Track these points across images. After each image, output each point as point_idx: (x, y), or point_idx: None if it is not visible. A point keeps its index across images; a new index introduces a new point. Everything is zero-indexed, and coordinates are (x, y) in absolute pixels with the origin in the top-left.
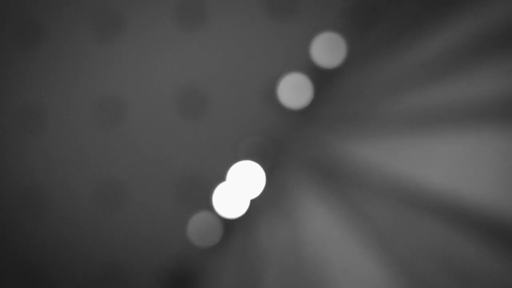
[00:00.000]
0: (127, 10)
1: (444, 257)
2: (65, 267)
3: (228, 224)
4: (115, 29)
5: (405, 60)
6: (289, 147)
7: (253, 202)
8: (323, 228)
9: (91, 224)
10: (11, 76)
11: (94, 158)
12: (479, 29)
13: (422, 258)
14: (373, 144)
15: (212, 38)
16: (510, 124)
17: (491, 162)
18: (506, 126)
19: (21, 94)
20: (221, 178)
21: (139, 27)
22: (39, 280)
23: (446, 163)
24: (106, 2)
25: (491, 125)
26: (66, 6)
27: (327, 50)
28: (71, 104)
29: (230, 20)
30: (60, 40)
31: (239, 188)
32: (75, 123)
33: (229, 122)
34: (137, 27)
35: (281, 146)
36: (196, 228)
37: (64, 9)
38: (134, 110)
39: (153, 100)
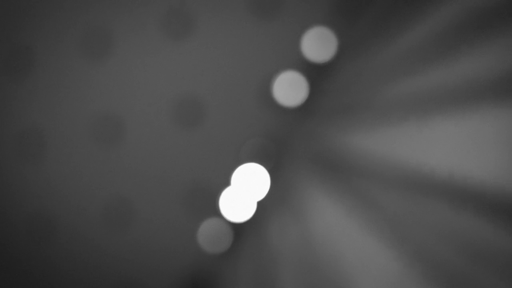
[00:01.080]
0: (114, 27)
1: (457, 239)
2: None
3: (238, 228)
4: (105, 47)
5: (397, 46)
6: (290, 145)
7: (260, 203)
8: (334, 222)
9: (102, 243)
10: (5, 104)
11: (98, 178)
12: (467, 6)
13: (435, 242)
14: (373, 133)
15: (201, 44)
16: (509, 100)
17: (494, 140)
18: (505, 102)
19: (17, 122)
20: (226, 183)
21: (128, 43)
22: None
23: (449, 145)
24: (93, 21)
25: (490, 103)
26: (53, 29)
27: (318, 44)
28: (68, 127)
29: (217, 25)
30: (51, 64)
31: (245, 191)
32: (75, 145)
33: (228, 127)
34: (126, 42)
35: (282, 145)
36: (207, 236)
37: (52, 32)
38: (132, 126)
39: (150, 113)
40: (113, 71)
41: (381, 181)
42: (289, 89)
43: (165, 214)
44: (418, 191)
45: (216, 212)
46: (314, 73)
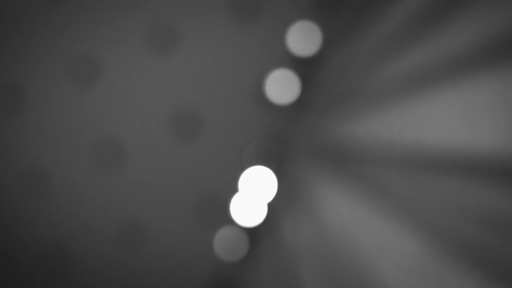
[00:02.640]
0: (99, 52)
1: (472, 210)
2: None
3: (253, 233)
4: (93, 73)
5: (381, 29)
6: (291, 142)
7: (270, 205)
8: (347, 212)
9: (119, 267)
10: (5, 145)
11: (107, 203)
12: None
13: (448, 216)
14: (371, 117)
15: (189, 56)
16: (502, 66)
17: (490, 106)
18: (496, 68)
19: (19, 161)
20: (234, 189)
21: (116, 65)
22: None
23: (448, 117)
24: (79, 49)
25: (481, 70)
26: (40, 62)
27: (303, 38)
28: (69, 157)
29: (201, 34)
30: (42, 99)
31: (253, 195)
32: (78, 174)
33: (227, 134)
34: (113, 65)
35: (283, 143)
36: (223, 244)
37: (40, 67)
38: (132, 146)
39: (148, 131)
40: (105, 95)
41: (386, 164)
42: (282, 86)
43: (178, 228)
44: (424, 168)
45: (229, 220)
46: (303, 67)
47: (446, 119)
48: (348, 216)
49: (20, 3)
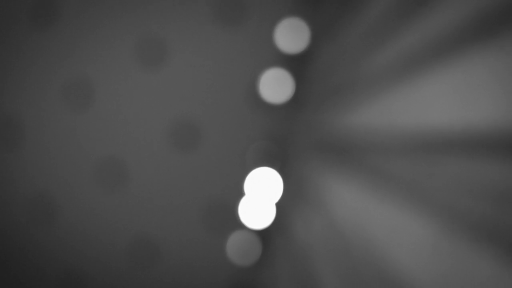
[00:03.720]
0: (91, 74)
1: (479, 187)
2: None
3: (264, 235)
4: (88, 96)
5: (368, 16)
6: (292, 139)
7: (278, 205)
8: (356, 203)
9: (136, 284)
10: (8, 175)
11: (116, 222)
12: None
13: (458, 195)
14: (368, 105)
15: (180, 67)
16: (491, 40)
17: (487, 81)
18: (487, 42)
19: (24, 190)
20: (240, 193)
21: (108, 85)
22: None
23: (444, 97)
24: (71, 73)
25: (474, 47)
26: (35, 93)
27: (291, 35)
28: (73, 181)
29: (190, 44)
30: (41, 129)
31: (260, 197)
32: (85, 197)
33: (227, 139)
34: (106, 86)
35: (284, 141)
36: (236, 249)
37: (33, 96)
38: (135, 163)
39: (148, 146)
40: (102, 116)
41: (389, 150)
42: (276, 86)
43: (189, 238)
44: (427, 150)
45: (239, 224)
46: (294, 64)
47: (442, 99)
48: (357, 207)
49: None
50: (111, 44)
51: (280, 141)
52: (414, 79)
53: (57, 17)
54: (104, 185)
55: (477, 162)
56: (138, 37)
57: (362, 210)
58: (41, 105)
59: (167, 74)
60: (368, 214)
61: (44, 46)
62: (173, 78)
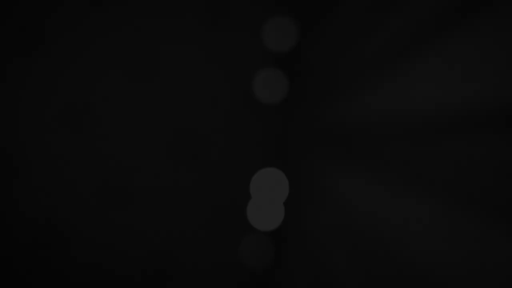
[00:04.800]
0: (87, 98)
1: (477, 161)
2: None
3: (275, 235)
4: (81, 121)
5: (353, 5)
6: (292, 137)
7: (286, 204)
8: (364, 193)
9: None
10: (14, 205)
11: (129, 243)
12: None
13: (466, 172)
14: (362, 94)
15: (171, 78)
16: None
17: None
18: (473, 20)
19: (32, 221)
20: (247, 196)
21: (105, 105)
22: None
23: (434, 79)
24: (66, 98)
25: (459, 24)
26: (28, 120)
27: (279, 35)
28: (79, 207)
29: (179, 53)
30: (39, 156)
31: (267, 197)
32: (91, 221)
33: (229, 144)
34: (102, 106)
35: (285, 140)
36: (249, 253)
37: (27, 122)
38: (138, 179)
39: (150, 160)
40: (102, 136)
41: (388, 135)
42: (270, 86)
43: (202, 248)
44: (425, 130)
45: (249, 228)
46: (286, 62)
47: (432, 81)
48: (367, 197)
49: None
50: (102, 62)
51: (281, 140)
52: (403, 64)
53: (43, 40)
54: (110, 208)
55: (473, 137)
56: (128, 53)
57: (372, 199)
58: (36, 131)
59: (162, 87)
60: (379, 202)
61: (33, 69)
62: (168, 90)
